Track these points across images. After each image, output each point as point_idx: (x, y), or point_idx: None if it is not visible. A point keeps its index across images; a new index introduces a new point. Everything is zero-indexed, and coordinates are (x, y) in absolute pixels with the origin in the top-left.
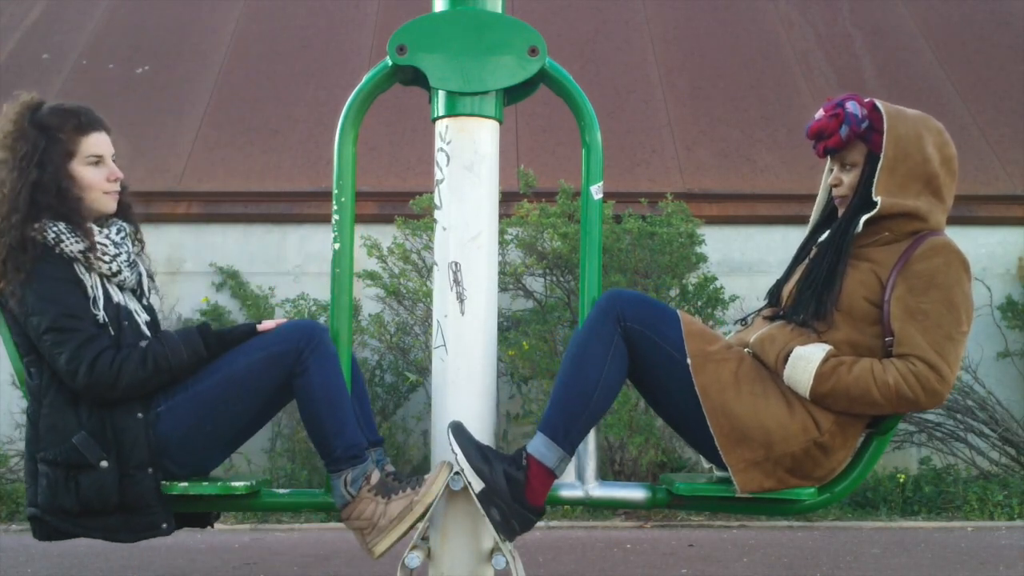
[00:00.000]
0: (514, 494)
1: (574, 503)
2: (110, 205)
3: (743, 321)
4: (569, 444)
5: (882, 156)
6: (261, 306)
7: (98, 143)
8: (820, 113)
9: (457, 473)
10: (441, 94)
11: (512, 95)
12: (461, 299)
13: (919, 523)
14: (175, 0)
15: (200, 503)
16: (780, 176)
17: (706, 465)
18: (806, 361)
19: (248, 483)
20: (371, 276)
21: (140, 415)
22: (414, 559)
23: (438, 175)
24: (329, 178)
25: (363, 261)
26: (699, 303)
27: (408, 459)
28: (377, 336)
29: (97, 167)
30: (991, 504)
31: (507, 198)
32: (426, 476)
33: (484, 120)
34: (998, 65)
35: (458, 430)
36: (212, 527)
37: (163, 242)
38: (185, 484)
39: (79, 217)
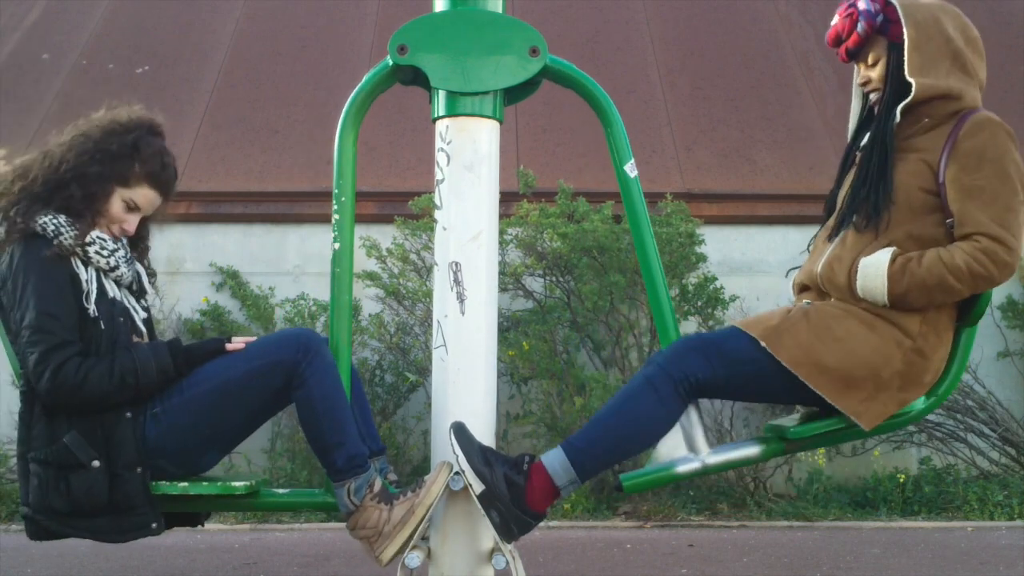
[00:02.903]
0: (514, 498)
1: (693, 475)
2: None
3: (808, 249)
4: (585, 475)
5: (906, 38)
6: (261, 306)
7: (148, 199)
8: (835, 19)
9: (458, 473)
10: (441, 94)
11: (512, 95)
12: (461, 299)
13: (919, 523)
14: (175, 0)
15: (200, 503)
16: (780, 176)
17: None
18: (875, 268)
19: (247, 483)
20: (371, 276)
21: (128, 415)
22: (414, 559)
23: (438, 175)
24: (329, 178)
25: (363, 261)
26: (699, 303)
27: (408, 459)
28: (377, 336)
29: (127, 212)
30: (991, 504)
31: (507, 198)
32: (425, 478)
33: (484, 120)
34: (998, 65)
35: (460, 431)
36: (203, 525)
37: (163, 242)
38: (185, 484)
39: (84, 219)
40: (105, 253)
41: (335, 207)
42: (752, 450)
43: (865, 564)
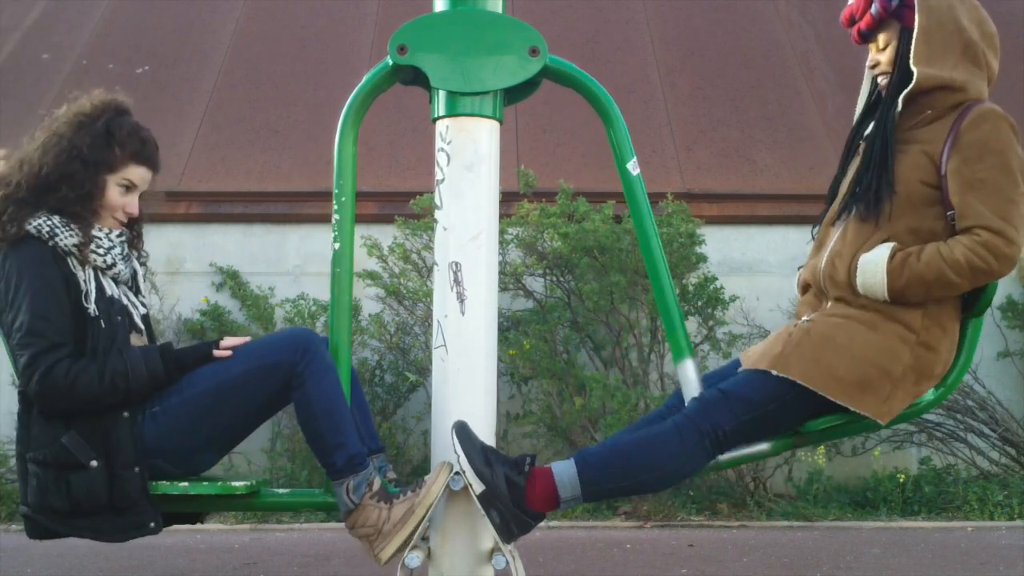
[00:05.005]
0: (514, 499)
1: (706, 471)
2: (113, 227)
3: (812, 238)
4: (589, 496)
5: (916, 26)
6: (261, 306)
7: (140, 176)
8: None
9: (458, 473)
10: (441, 94)
11: (512, 95)
12: (461, 299)
13: (919, 523)
14: (175, 0)
15: (200, 503)
16: (780, 176)
17: None
18: (874, 264)
19: (248, 483)
20: (371, 276)
21: (126, 415)
22: (414, 559)
23: (438, 175)
24: (329, 178)
25: (363, 261)
26: (699, 303)
27: (408, 459)
28: (377, 336)
29: (124, 194)
30: (991, 504)
31: (507, 198)
32: (425, 478)
33: (484, 120)
34: (998, 65)
35: (462, 431)
36: (203, 522)
37: (163, 242)
38: (185, 484)
39: (83, 220)
40: (101, 252)
41: (335, 207)
42: (762, 446)
43: (865, 564)
